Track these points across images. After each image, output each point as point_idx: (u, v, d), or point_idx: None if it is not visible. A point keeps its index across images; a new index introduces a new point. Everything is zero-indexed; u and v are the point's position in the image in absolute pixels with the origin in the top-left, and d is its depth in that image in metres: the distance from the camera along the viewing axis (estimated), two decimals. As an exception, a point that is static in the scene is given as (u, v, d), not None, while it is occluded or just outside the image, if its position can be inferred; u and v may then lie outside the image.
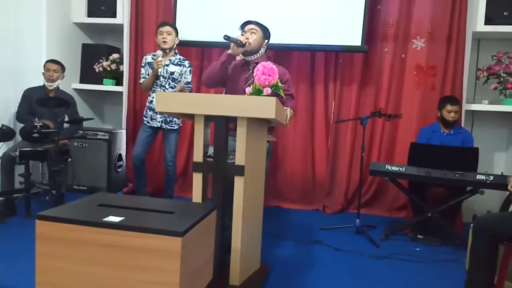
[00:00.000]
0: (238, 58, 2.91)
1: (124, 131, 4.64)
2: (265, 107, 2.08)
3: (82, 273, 1.40)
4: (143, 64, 3.87)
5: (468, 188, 3.31)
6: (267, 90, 2.19)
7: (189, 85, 3.75)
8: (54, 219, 1.44)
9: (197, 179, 2.29)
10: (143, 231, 1.37)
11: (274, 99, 2.07)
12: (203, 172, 2.28)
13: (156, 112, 3.71)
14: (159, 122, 3.73)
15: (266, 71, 2.18)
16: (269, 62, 2.25)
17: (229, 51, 2.70)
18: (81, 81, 4.91)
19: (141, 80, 3.84)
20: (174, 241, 1.35)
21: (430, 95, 4.04)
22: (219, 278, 2.28)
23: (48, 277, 1.44)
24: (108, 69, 4.74)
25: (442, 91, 4.02)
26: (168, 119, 3.72)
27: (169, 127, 3.73)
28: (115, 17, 4.68)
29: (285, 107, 2.53)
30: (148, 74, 3.74)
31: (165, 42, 3.65)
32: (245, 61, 2.84)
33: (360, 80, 4.21)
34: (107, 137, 4.41)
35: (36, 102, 3.42)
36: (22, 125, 3.60)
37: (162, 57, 3.68)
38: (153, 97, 3.76)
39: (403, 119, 4.11)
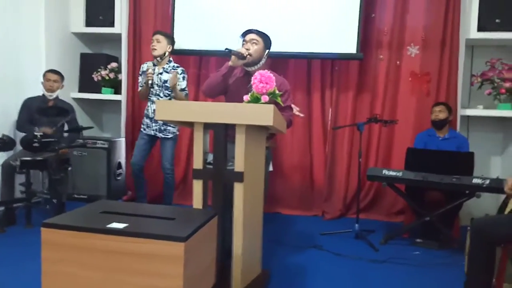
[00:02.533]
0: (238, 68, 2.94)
1: (123, 139, 4.67)
2: (263, 114, 2.12)
3: (87, 278, 1.43)
4: (140, 73, 3.93)
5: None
6: (265, 98, 2.23)
7: (185, 91, 3.78)
8: (59, 227, 1.46)
9: (197, 186, 2.32)
10: (146, 237, 1.40)
11: (272, 106, 2.11)
12: (203, 179, 2.31)
13: (152, 120, 3.75)
14: (153, 130, 3.77)
15: (263, 79, 2.22)
16: (266, 70, 2.29)
17: (230, 63, 2.72)
18: (80, 90, 4.95)
19: (139, 88, 3.91)
20: (177, 246, 1.38)
21: (425, 101, 4.10)
22: (220, 284, 2.30)
23: (54, 283, 1.47)
24: (107, 78, 4.78)
25: (437, 97, 4.08)
26: (162, 128, 3.75)
27: (163, 136, 3.77)
28: (113, 26, 4.73)
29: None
30: (144, 83, 3.79)
31: (154, 49, 3.69)
32: (246, 72, 2.84)
33: (356, 87, 4.27)
34: (106, 146, 4.44)
35: (36, 111, 3.45)
36: (22, 134, 3.62)
37: (156, 65, 3.73)
38: (148, 105, 3.80)
39: (399, 125, 4.16)
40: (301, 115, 3.67)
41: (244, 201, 2.27)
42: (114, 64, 4.82)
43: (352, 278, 2.77)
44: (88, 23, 4.84)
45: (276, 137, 4.37)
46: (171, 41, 3.80)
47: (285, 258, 3.09)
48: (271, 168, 3.91)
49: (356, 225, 3.57)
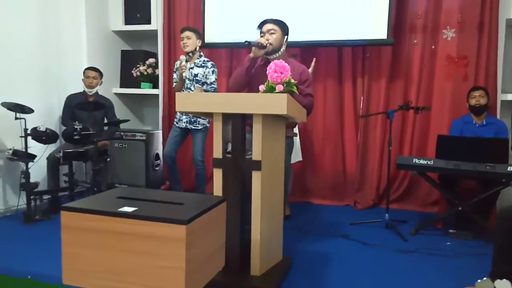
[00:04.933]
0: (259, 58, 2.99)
1: (161, 131, 4.86)
2: (277, 103, 2.17)
3: (100, 258, 1.55)
4: (174, 69, 4.08)
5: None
6: (280, 87, 2.26)
7: (213, 85, 3.85)
8: (76, 210, 1.60)
9: (217, 174, 2.40)
10: (151, 220, 1.50)
11: (285, 95, 2.15)
12: (223, 167, 2.39)
13: (182, 113, 3.88)
14: (184, 122, 3.90)
15: (278, 69, 2.26)
16: (281, 60, 2.32)
17: (251, 55, 2.78)
18: (121, 86, 5.20)
19: (174, 85, 4.05)
20: (179, 229, 1.47)
21: (462, 86, 3.92)
22: (241, 269, 2.39)
23: (72, 263, 1.61)
24: (145, 73, 4.98)
25: (475, 82, 3.89)
26: (192, 119, 3.87)
27: (193, 127, 3.88)
28: (150, 23, 4.92)
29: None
30: (178, 77, 3.92)
31: (186, 46, 3.81)
32: (266, 60, 2.90)
33: (389, 73, 4.17)
34: (144, 138, 4.65)
35: (76, 107, 3.68)
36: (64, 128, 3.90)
37: (188, 61, 3.84)
38: None
39: (435, 112, 4.03)
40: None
41: (262, 189, 2.32)
42: (151, 60, 5.02)
43: (376, 267, 2.75)
44: (127, 21, 5.06)
45: (306, 127, 4.38)
46: (200, 36, 3.91)
47: (310, 246, 3.12)
48: (300, 158, 3.93)
49: (386, 215, 3.52)
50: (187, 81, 3.87)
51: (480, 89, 3.60)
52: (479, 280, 1.10)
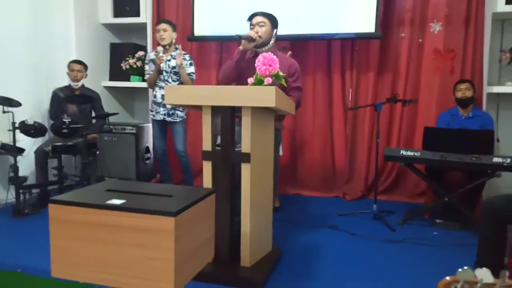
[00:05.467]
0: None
1: (150, 125, 4.82)
2: (265, 96, 2.18)
3: (89, 250, 1.56)
4: (147, 61, 4.05)
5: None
6: (268, 80, 2.28)
7: (192, 75, 3.89)
8: (64, 203, 1.60)
9: (207, 167, 2.42)
10: (140, 212, 1.51)
11: (273, 88, 2.17)
12: (212, 160, 2.41)
13: (160, 105, 3.88)
14: (162, 115, 3.91)
15: (266, 62, 2.28)
16: (269, 53, 2.33)
17: (241, 47, 2.79)
18: (111, 79, 5.16)
19: (146, 76, 4.03)
20: (168, 221, 1.48)
21: (449, 79, 3.97)
22: (231, 261, 2.41)
23: (61, 256, 1.61)
24: (134, 66, 4.96)
25: (462, 75, 3.95)
26: (170, 112, 3.88)
27: (172, 120, 3.90)
28: (139, 16, 4.88)
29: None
30: (152, 70, 3.92)
31: (163, 39, 3.81)
32: (255, 53, 2.91)
33: (377, 66, 4.20)
34: (134, 131, 4.64)
35: (64, 100, 3.66)
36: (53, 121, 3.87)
37: (164, 53, 3.85)
38: (156, 91, 3.93)
39: (422, 104, 4.08)
40: (281, 127, 3.51)
41: (252, 181, 2.35)
42: (141, 53, 4.98)
43: (364, 257, 2.79)
44: (116, 14, 5.02)
45: (295, 120, 4.41)
46: (175, 28, 3.92)
47: (299, 237, 3.15)
48: (281, 153, 3.96)
49: (374, 205, 3.57)
50: (164, 74, 3.87)
51: (466, 82, 3.66)
52: (459, 269, 1.13)
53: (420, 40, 4.08)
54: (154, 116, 3.98)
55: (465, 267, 1.23)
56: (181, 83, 3.87)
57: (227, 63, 2.95)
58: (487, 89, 3.93)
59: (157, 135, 4.01)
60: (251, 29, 2.85)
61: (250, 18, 2.89)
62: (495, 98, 4.19)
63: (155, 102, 3.96)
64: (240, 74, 2.93)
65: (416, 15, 4.07)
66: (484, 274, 1.13)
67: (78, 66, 4.04)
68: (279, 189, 3.95)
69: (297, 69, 2.90)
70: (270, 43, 2.91)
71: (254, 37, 2.75)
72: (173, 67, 3.85)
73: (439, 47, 4.01)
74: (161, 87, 3.87)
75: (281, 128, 3.01)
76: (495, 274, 1.12)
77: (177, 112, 3.89)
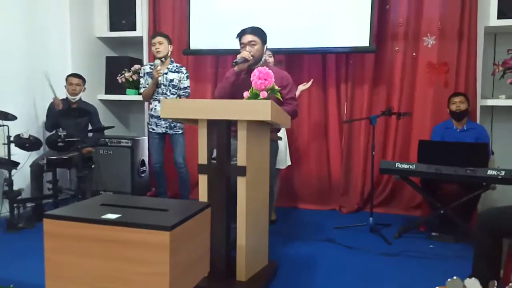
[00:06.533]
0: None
1: (146, 138, 4.83)
2: (261, 110, 2.20)
3: (84, 265, 1.55)
4: (141, 75, 4.04)
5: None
6: (264, 94, 2.30)
7: (187, 90, 3.93)
8: (58, 218, 1.60)
9: (203, 180, 2.42)
10: (135, 227, 1.51)
11: (269, 102, 2.18)
12: (208, 173, 2.41)
13: (159, 118, 3.88)
14: (163, 128, 3.91)
15: (262, 76, 2.29)
16: (265, 67, 2.35)
17: (236, 69, 2.82)
18: (106, 92, 5.17)
19: (141, 90, 4.02)
20: (163, 235, 1.48)
21: (443, 92, 4.01)
22: (227, 275, 2.39)
23: (55, 271, 1.60)
24: (130, 79, 4.97)
25: (456, 88, 3.99)
26: (172, 125, 3.90)
27: (174, 132, 3.91)
28: (135, 30, 4.92)
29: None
30: (147, 84, 3.92)
31: (158, 51, 3.83)
32: (249, 70, 2.91)
33: (372, 80, 4.24)
34: (129, 144, 4.63)
35: (60, 113, 3.66)
36: (49, 135, 3.86)
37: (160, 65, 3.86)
38: (155, 105, 3.92)
39: (417, 117, 4.11)
40: (308, 84, 3.90)
41: (248, 194, 2.34)
42: (137, 66, 5.00)
43: (361, 271, 2.78)
44: (112, 28, 5.06)
45: (291, 133, 4.42)
46: (170, 41, 3.94)
47: (296, 250, 3.14)
48: (289, 162, 3.96)
49: (371, 218, 3.56)
50: (162, 87, 3.87)
51: (460, 95, 3.69)
52: (449, 279, 1.13)
53: (414, 54, 4.13)
54: (153, 129, 3.97)
55: (454, 277, 1.23)
56: (179, 96, 3.88)
57: (222, 83, 2.97)
58: (481, 102, 3.97)
59: (155, 148, 3.99)
60: (241, 47, 2.87)
61: (240, 35, 2.91)
62: (488, 111, 4.23)
63: (152, 116, 3.95)
64: (235, 90, 2.95)
65: (409, 29, 4.13)
66: (473, 285, 1.13)
67: (76, 80, 4.04)
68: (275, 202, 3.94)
69: (289, 80, 2.92)
70: (263, 59, 2.94)
71: (249, 58, 2.79)
72: (171, 80, 3.86)
73: (433, 61, 4.06)
74: (159, 101, 3.88)
75: (278, 139, 3.02)
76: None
77: (178, 124, 3.91)
